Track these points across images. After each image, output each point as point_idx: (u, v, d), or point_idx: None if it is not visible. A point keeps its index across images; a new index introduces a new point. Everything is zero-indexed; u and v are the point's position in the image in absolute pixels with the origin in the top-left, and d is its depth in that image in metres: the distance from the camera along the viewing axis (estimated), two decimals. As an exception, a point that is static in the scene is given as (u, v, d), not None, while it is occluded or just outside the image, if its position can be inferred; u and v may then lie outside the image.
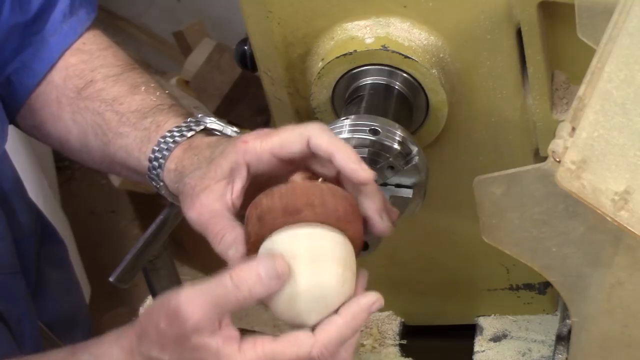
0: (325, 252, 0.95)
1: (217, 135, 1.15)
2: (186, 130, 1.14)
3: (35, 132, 1.31)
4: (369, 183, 0.99)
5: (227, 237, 1.01)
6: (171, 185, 1.13)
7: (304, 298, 0.95)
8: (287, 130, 1.02)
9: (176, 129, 1.14)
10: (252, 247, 0.98)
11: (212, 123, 1.15)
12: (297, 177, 1.01)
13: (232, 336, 0.94)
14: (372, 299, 0.96)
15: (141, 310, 1.47)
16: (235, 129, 1.16)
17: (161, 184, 1.14)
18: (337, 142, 1.00)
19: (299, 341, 0.94)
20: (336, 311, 0.95)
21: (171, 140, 1.13)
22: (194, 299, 0.93)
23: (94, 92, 1.23)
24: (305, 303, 0.95)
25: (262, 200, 0.97)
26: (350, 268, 0.96)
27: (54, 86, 1.26)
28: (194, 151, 1.11)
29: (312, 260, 0.95)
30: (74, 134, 1.25)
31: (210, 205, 1.03)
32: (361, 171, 0.98)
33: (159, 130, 1.16)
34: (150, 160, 1.14)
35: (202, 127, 1.15)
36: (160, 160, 1.13)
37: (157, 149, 1.14)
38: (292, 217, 0.95)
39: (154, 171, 1.14)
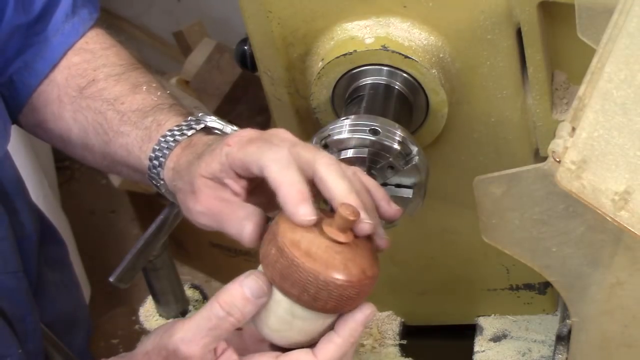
0: (292, 327, 0.97)
1: (217, 134, 1.15)
2: (187, 129, 1.14)
3: (37, 131, 1.31)
4: (306, 225, 0.96)
5: (240, 214, 1.01)
6: (169, 184, 1.13)
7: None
8: (258, 146, 1.00)
9: (177, 128, 1.15)
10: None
11: (213, 122, 1.16)
12: (333, 224, 0.96)
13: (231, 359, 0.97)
14: (367, 312, 0.97)
15: (140, 311, 1.47)
16: (235, 127, 1.16)
17: (161, 182, 1.14)
18: (284, 177, 0.97)
19: None
20: (333, 327, 0.97)
21: (172, 139, 1.13)
22: (190, 338, 0.95)
23: (96, 91, 1.24)
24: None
25: (276, 241, 0.95)
26: (319, 333, 0.98)
27: (56, 85, 1.26)
28: (191, 149, 1.11)
29: (281, 323, 0.97)
30: (75, 132, 1.25)
31: (217, 196, 1.03)
32: (298, 216, 0.95)
33: (160, 129, 1.16)
34: (150, 159, 1.14)
35: (202, 125, 1.15)
36: (161, 159, 1.13)
37: (157, 147, 1.14)
38: (284, 287, 0.95)
39: (154, 170, 1.14)
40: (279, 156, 0.98)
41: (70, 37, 1.27)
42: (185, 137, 1.13)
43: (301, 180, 0.96)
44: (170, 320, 1.40)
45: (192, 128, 1.14)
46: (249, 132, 1.04)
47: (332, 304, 0.95)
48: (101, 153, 1.23)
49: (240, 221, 1.00)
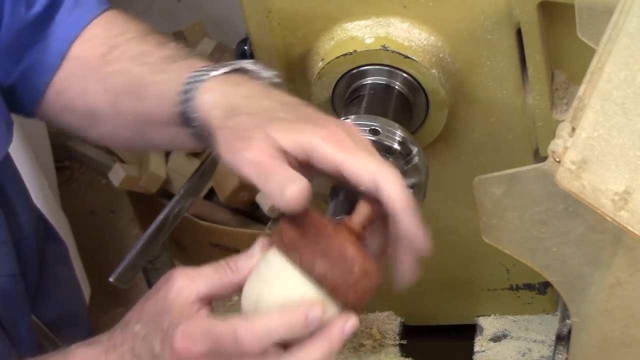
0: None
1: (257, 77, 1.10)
2: (220, 66, 1.09)
3: (62, 117, 1.25)
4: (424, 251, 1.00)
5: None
6: (207, 115, 1.08)
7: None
8: (358, 151, 0.98)
9: (211, 65, 1.10)
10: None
11: (250, 64, 1.10)
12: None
13: (201, 302, 0.96)
14: (309, 308, 0.95)
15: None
16: (275, 72, 1.10)
17: (195, 114, 1.08)
18: (408, 201, 0.98)
19: (232, 322, 0.94)
20: None
21: (206, 70, 1.09)
22: (187, 275, 0.97)
23: (119, 53, 1.19)
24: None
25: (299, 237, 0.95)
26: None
27: (78, 62, 1.22)
28: (243, 87, 1.07)
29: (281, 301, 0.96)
30: (103, 102, 1.19)
31: (270, 153, 0.99)
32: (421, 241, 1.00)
33: (193, 67, 1.11)
34: (184, 92, 1.09)
35: (237, 66, 1.10)
36: (196, 85, 1.09)
37: (191, 79, 1.09)
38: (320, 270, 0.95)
39: (185, 96, 1.09)
40: (395, 176, 0.97)
41: (80, 23, 1.25)
42: (220, 72, 1.09)
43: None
44: None
45: (226, 66, 1.09)
46: (339, 125, 1.01)
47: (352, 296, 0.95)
48: (134, 116, 1.18)
49: (287, 179, 0.97)
